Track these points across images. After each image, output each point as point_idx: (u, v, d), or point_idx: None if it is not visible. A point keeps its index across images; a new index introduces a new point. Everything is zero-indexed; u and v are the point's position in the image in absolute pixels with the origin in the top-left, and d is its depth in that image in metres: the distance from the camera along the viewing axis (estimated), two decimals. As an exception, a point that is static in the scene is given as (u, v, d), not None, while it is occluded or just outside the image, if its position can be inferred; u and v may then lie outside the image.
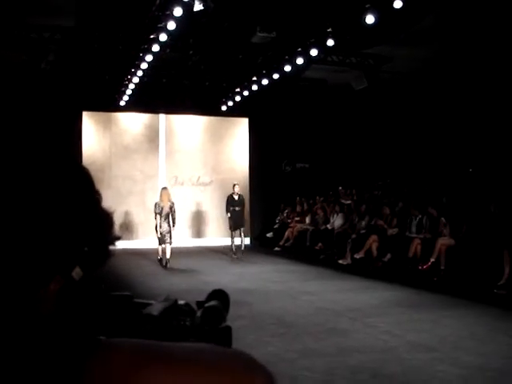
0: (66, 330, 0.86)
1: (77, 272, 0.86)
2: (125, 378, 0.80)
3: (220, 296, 1.14)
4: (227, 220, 16.19)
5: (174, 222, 13.89)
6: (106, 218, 0.94)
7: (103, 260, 0.93)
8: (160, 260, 14.01)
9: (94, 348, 0.81)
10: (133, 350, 0.83)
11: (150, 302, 1.06)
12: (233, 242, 15.83)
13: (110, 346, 0.83)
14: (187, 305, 1.07)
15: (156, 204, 13.96)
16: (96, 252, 0.90)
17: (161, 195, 14.11)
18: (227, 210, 15.95)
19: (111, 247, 0.94)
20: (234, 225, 15.83)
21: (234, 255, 15.55)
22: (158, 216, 13.76)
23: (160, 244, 13.88)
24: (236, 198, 16.01)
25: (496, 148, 13.56)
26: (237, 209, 15.82)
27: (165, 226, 13.73)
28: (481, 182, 13.09)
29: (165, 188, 14.56)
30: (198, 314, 1.06)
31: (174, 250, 14.03)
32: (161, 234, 13.72)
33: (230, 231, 16.07)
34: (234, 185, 16.17)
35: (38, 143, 0.92)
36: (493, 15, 11.23)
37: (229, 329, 1.06)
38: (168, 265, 13.53)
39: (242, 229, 15.76)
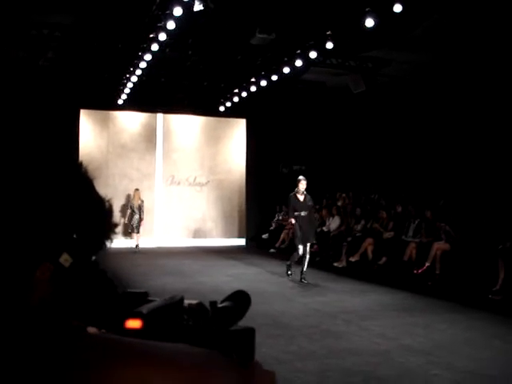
0: (55, 320, 0.86)
1: (65, 258, 0.85)
2: (97, 374, 0.80)
3: (239, 297, 1.13)
4: (295, 230, 11.99)
5: (142, 216, 17.51)
6: (100, 206, 0.93)
7: (97, 248, 0.92)
8: (136, 246, 17.18)
9: (76, 340, 0.82)
10: (104, 345, 0.83)
11: (155, 299, 1.06)
12: (294, 259, 11.83)
13: (89, 339, 0.84)
14: (200, 304, 1.06)
15: (129, 202, 17.90)
16: (87, 239, 0.89)
17: (134, 195, 17.81)
18: (290, 216, 12.08)
19: (107, 235, 0.94)
20: (303, 237, 11.63)
21: (293, 275, 11.77)
22: (130, 211, 17.58)
23: (132, 233, 17.55)
24: (301, 198, 11.91)
25: (493, 153, 13.58)
26: (303, 214, 11.76)
27: (136, 218, 17.40)
28: (477, 186, 13.11)
29: (137, 189, 17.87)
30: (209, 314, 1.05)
31: (170, 250, 14.03)
32: (132, 225, 17.40)
33: (298, 244, 11.69)
34: (299, 180, 12.09)
35: (27, 135, 0.92)
36: (491, 20, 11.25)
37: (243, 331, 1.05)
38: (137, 250, 16.87)
39: (308, 244, 11.81)
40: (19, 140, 0.91)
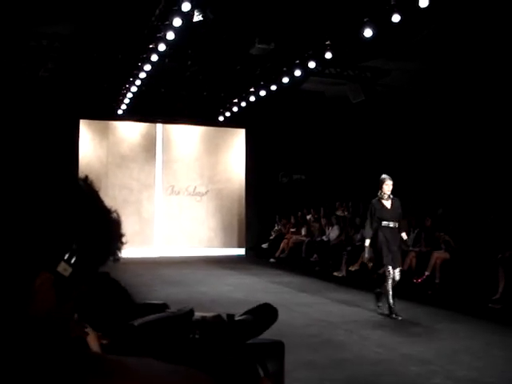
0: (53, 332, 0.87)
1: (63, 268, 0.84)
2: None
3: (263, 311, 1.12)
4: (380, 245, 8.85)
5: None
6: (103, 216, 0.93)
7: (102, 258, 0.92)
8: None
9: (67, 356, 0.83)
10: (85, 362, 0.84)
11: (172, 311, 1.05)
12: (389, 288, 8.74)
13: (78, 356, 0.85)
14: (217, 317, 1.05)
15: None
16: (89, 249, 0.88)
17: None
18: (371, 226, 9.08)
19: (114, 246, 0.94)
20: (393, 256, 8.88)
21: (394, 314, 8.69)
22: None
23: None
24: (388, 204, 9.06)
25: (492, 162, 13.60)
26: (391, 225, 8.91)
27: None
28: (476, 195, 13.12)
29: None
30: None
31: (170, 260, 14.01)
32: None
33: (387, 265, 8.85)
34: (383, 180, 9.29)
35: (26, 145, 0.93)
36: (489, 29, 11.30)
37: (263, 345, 1.05)
38: None
39: (399, 268, 9.02)
40: (17, 148, 0.92)
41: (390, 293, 8.69)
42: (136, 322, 0.98)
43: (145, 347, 0.94)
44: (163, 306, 1.07)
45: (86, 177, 0.94)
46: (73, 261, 0.86)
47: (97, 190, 0.95)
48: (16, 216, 0.83)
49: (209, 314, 1.05)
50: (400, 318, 8.54)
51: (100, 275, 1.14)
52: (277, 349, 1.07)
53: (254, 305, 1.15)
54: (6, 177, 0.87)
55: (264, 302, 1.16)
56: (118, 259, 0.96)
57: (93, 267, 0.91)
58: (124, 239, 0.95)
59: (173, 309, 1.08)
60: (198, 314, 1.06)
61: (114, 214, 0.95)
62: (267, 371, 1.09)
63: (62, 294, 0.86)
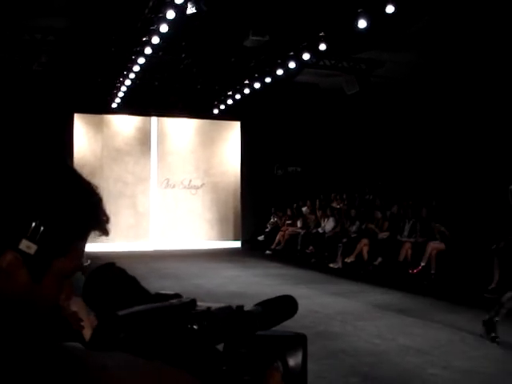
0: (31, 319, 0.86)
1: (26, 245, 0.84)
2: None
3: (281, 302, 1.10)
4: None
5: None
6: (74, 191, 0.92)
7: (74, 233, 0.91)
8: None
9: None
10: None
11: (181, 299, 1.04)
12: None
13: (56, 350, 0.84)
14: (227, 308, 1.03)
15: None
16: (54, 225, 0.87)
17: None
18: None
19: (91, 221, 0.93)
20: None
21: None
22: None
23: None
24: None
25: (487, 153, 13.62)
26: None
27: None
28: (471, 186, 13.14)
29: None
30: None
31: (166, 253, 14.01)
32: None
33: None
34: None
35: (19, 139, 0.92)
36: (483, 20, 11.29)
37: (275, 337, 1.03)
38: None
39: None
40: (10, 142, 0.91)
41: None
42: (121, 312, 0.97)
43: (131, 338, 0.92)
44: (176, 296, 1.05)
45: (63, 156, 0.94)
46: (37, 238, 0.85)
47: (71, 166, 0.94)
48: None
49: (215, 305, 1.04)
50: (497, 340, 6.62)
51: (105, 266, 1.13)
52: (298, 342, 1.05)
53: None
54: None
55: (285, 294, 1.14)
56: (104, 233, 0.95)
57: (65, 242, 0.89)
58: (106, 214, 0.95)
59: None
60: (202, 305, 1.04)
61: (90, 188, 0.94)
62: (286, 366, 1.06)
63: (35, 272, 0.86)
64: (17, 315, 0.84)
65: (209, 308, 1.02)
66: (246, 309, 1.07)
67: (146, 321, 0.97)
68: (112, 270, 1.13)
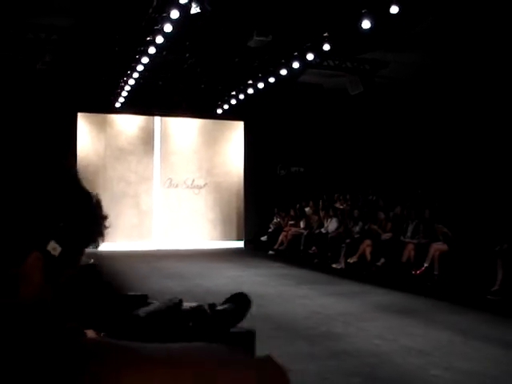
0: (51, 317, 0.85)
1: (53, 247, 0.84)
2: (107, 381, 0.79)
3: (239, 299, 1.12)
4: None
5: None
6: (86, 198, 0.93)
7: (86, 238, 0.92)
8: None
9: (76, 344, 0.80)
10: (110, 351, 0.82)
11: (153, 301, 1.05)
12: None
13: (91, 344, 0.83)
14: (199, 306, 1.06)
15: None
16: (75, 228, 0.88)
17: None
18: None
19: (97, 228, 0.94)
20: None
21: None
22: None
23: None
24: None
25: (491, 154, 13.60)
26: None
27: None
28: (474, 187, 13.12)
29: None
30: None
31: (168, 253, 14.03)
32: None
33: None
34: None
35: (23, 138, 0.93)
36: (487, 20, 11.27)
37: (243, 333, 1.04)
38: None
39: None
40: (14, 142, 0.91)
41: None
42: (141, 313, 0.98)
43: (150, 338, 0.94)
44: (143, 298, 1.06)
45: (66, 161, 0.95)
46: (63, 239, 0.86)
47: (77, 173, 0.95)
48: (4, 195, 0.83)
49: (191, 304, 1.06)
50: None
51: (86, 266, 1.14)
52: (248, 338, 1.07)
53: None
54: None
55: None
56: (99, 244, 0.96)
57: (79, 248, 0.91)
58: (107, 222, 0.96)
59: (160, 300, 1.07)
60: (186, 304, 1.06)
61: (95, 198, 0.95)
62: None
63: (50, 275, 0.86)
64: (32, 315, 0.84)
65: (191, 307, 1.04)
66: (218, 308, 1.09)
67: (159, 320, 0.99)
68: (90, 272, 1.15)
